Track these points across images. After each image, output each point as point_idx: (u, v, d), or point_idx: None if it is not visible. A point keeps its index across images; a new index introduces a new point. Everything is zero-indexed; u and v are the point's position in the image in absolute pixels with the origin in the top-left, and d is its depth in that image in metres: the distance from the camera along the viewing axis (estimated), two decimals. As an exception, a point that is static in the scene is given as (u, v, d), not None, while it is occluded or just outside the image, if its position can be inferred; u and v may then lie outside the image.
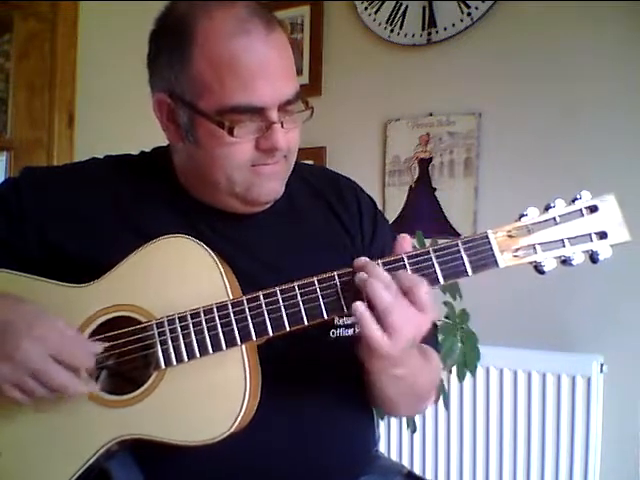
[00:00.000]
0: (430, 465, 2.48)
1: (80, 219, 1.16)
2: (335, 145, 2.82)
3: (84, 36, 2.67)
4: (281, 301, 1.01)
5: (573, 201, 0.98)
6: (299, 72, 2.84)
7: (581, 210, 0.98)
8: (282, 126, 1.08)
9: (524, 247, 0.98)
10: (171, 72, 1.09)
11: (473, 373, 2.23)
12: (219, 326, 1.01)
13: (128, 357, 1.06)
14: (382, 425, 2.50)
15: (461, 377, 2.21)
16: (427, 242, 2.13)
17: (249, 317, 1.01)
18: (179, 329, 1.03)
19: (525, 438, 2.30)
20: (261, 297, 1.01)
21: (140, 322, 1.05)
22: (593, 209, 0.98)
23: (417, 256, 0.99)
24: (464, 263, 0.98)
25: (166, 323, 1.03)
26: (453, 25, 2.55)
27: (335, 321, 1.16)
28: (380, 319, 0.94)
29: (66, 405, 1.05)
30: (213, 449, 0.99)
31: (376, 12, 2.73)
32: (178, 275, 1.06)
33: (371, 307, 0.95)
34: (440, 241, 1.07)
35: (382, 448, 2.49)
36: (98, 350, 1.04)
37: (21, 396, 1.02)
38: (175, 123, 1.13)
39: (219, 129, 1.06)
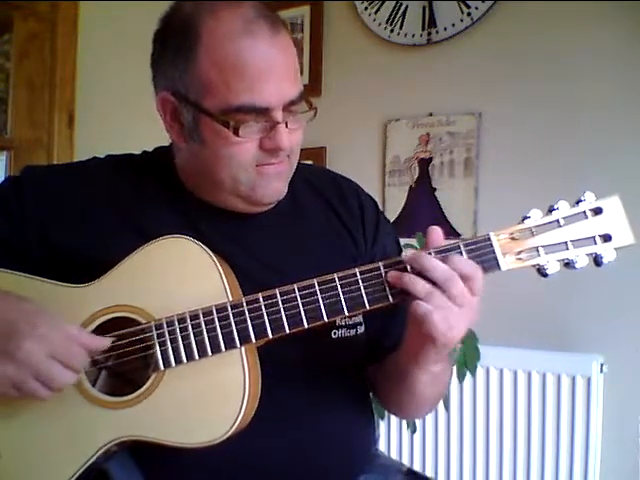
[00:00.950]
0: (430, 465, 2.48)
1: (81, 218, 1.16)
2: (335, 145, 2.82)
3: (84, 36, 2.66)
4: (281, 303, 1.01)
5: (577, 203, 0.98)
6: (299, 72, 2.84)
7: (585, 212, 0.97)
8: (286, 126, 1.08)
9: (527, 250, 0.98)
10: (176, 71, 1.10)
11: (473, 373, 2.24)
12: (218, 328, 1.01)
13: (127, 358, 1.06)
14: (382, 425, 2.50)
15: (461, 377, 2.21)
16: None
17: (248, 319, 1.01)
18: (178, 330, 1.02)
19: (525, 438, 2.30)
20: (261, 299, 1.01)
21: (139, 323, 1.05)
22: (597, 211, 0.97)
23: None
24: None
25: (165, 324, 1.03)
26: (453, 25, 2.55)
27: (337, 322, 1.16)
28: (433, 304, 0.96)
29: (66, 406, 1.05)
30: (212, 449, 0.99)
31: (376, 12, 2.73)
32: (178, 276, 1.06)
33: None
34: (440, 242, 1.07)
35: (382, 448, 2.49)
36: (105, 346, 1.04)
37: (21, 395, 1.01)
38: (179, 122, 1.13)
39: (224, 129, 1.06)
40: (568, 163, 2.32)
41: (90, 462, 1.04)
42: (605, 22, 2.28)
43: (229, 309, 1.01)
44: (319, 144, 2.80)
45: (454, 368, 2.16)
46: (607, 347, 2.24)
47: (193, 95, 1.08)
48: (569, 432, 2.23)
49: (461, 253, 0.99)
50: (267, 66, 1.05)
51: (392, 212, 2.67)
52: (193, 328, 1.02)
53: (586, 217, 0.97)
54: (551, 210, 0.98)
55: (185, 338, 1.02)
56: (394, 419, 2.52)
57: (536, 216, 0.98)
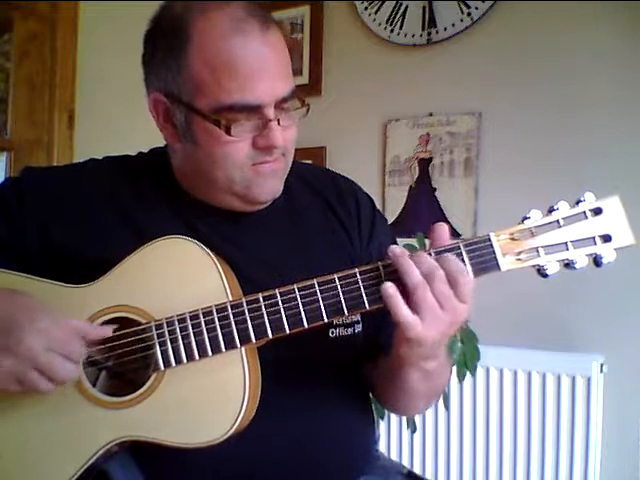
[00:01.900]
0: (430, 465, 2.48)
1: (80, 219, 1.16)
2: (335, 145, 2.82)
3: (84, 36, 2.66)
4: (281, 303, 1.01)
5: (577, 203, 0.98)
6: (299, 72, 2.84)
7: (585, 212, 0.97)
8: (279, 124, 1.08)
9: (527, 250, 0.98)
10: (167, 72, 1.10)
11: (473, 373, 2.24)
12: (218, 328, 1.01)
13: (127, 358, 1.06)
14: (382, 425, 2.50)
15: (461, 377, 2.21)
16: (427, 243, 2.13)
17: (248, 319, 1.01)
18: (178, 330, 1.02)
19: (525, 438, 2.30)
20: (261, 299, 1.01)
21: (139, 323, 1.05)
22: (597, 211, 0.97)
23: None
24: (465, 265, 0.98)
25: (165, 324, 1.03)
26: (453, 25, 2.55)
27: (334, 321, 1.15)
28: (410, 298, 0.95)
29: (66, 406, 1.05)
30: (213, 449, 0.99)
31: (376, 12, 2.73)
32: (177, 276, 1.06)
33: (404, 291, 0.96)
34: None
35: (382, 448, 2.49)
36: (108, 334, 1.04)
37: (23, 389, 1.01)
38: (171, 123, 1.13)
39: (216, 128, 1.06)
40: (568, 163, 2.32)
41: (90, 462, 1.04)
42: (605, 22, 2.28)
43: (229, 309, 1.01)
44: (319, 144, 2.80)
45: (454, 368, 2.17)
46: (607, 347, 2.24)
47: (185, 95, 1.08)
48: (569, 432, 2.23)
49: (461, 253, 0.99)
50: (258, 64, 1.05)
51: (392, 212, 2.67)
52: (193, 328, 1.02)
53: (586, 217, 0.97)
54: (551, 210, 0.98)
55: (185, 338, 1.02)
56: (394, 419, 2.52)
57: (536, 216, 0.98)
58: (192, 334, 1.02)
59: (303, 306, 1.00)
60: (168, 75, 1.10)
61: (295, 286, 1.01)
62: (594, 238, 0.97)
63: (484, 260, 0.98)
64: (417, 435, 2.48)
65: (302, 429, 1.13)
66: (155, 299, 1.05)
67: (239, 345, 1.01)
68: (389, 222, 1.43)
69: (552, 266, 0.97)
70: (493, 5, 2.48)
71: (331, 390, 1.19)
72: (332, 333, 1.17)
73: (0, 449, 1.07)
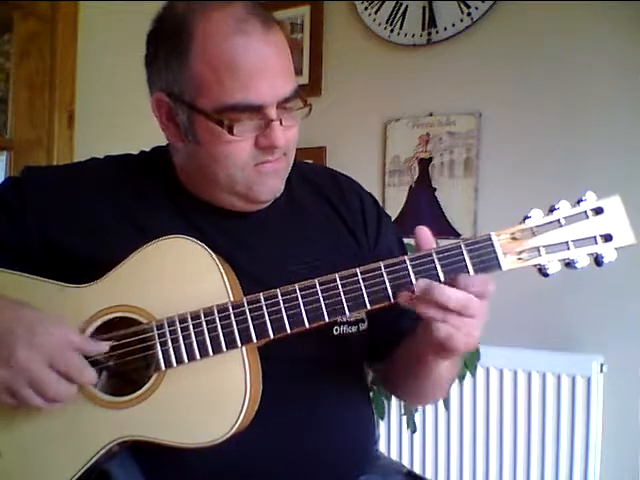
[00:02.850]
0: (430, 465, 2.48)
1: (81, 219, 1.16)
2: (335, 145, 2.82)
3: (84, 36, 2.66)
4: (282, 303, 1.01)
5: (578, 203, 0.98)
6: (299, 72, 2.84)
7: (586, 212, 0.97)
8: (281, 123, 1.09)
9: (528, 250, 0.97)
10: (169, 72, 1.10)
11: (473, 373, 2.24)
12: (219, 328, 1.01)
13: (128, 358, 1.06)
14: (382, 425, 2.50)
15: (461, 377, 2.21)
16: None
17: (250, 319, 1.01)
18: (179, 330, 1.03)
19: (525, 438, 2.30)
20: (262, 299, 1.01)
21: (140, 323, 1.05)
22: (598, 211, 0.97)
23: (419, 258, 0.99)
24: (466, 265, 0.98)
25: (166, 324, 1.03)
26: (453, 25, 2.55)
27: (338, 319, 1.15)
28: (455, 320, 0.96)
29: (66, 406, 1.04)
30: (213, 449, 0.99)
31: (376, 12, 2.73)
32: (178, 276, 1.06)
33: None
34: (440, 241, 1.07)
35: (382, 448, 2.49)
36: (103, 350, 1.04)
37: (15, 403, 1.01)
38: (174, 122, 1.13)
39: (218, 127, 1.07)
40: (568, 163, 2.33)
41: (91, 462, 1.04)
42: (605, 22, 2.28)
43: (230, 309, 1.01)
44: (319, 144, 2.80)
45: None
46: (607, 347, 2.24)
47: (187, 95, 1.09)
48: (569, 432, 2.23)
49: (462, 253, 0.99)
50: (260, 64, 1.06)
51: (392, 212, 2.66)
52: (194, 328, 1.02)
53: (587, 217, 0.97)
54: (552, 210, 0.98)
55: (186, 338, 1.02)
56: (394, 419, 2.52)
57: (537, 216, 0.98)
58: (193, 334, 1.02)
59: (304, 306, 1.00)
60: (170, 75, 1.10)
61: (296, 286, 1.01)
62: (595, 237, 0.97)
63: (485, 260, 0.98)
64: (417, 435, 2.48)
65: (303, 428, 1.13)
66: (156, 299, 1.05)
67: (240, 345, 1.01)
68: (392, 220, 1.43)
69: (553, 265, 0.97)
70: (493, 5, 2.48)
71: (333, 390, 1.19)
72: (336, 331, 1.17)
73: (0, 449, 1.07)
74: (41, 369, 0.99)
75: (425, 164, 2.63)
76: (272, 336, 1.01)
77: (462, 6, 2.53)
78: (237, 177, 1.11)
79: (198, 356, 1.02)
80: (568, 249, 0.97)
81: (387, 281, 1.00)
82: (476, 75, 2.53)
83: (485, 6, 2.49)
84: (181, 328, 1.02)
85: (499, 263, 0.98)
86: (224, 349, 1.01)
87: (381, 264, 1.00)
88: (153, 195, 1.20)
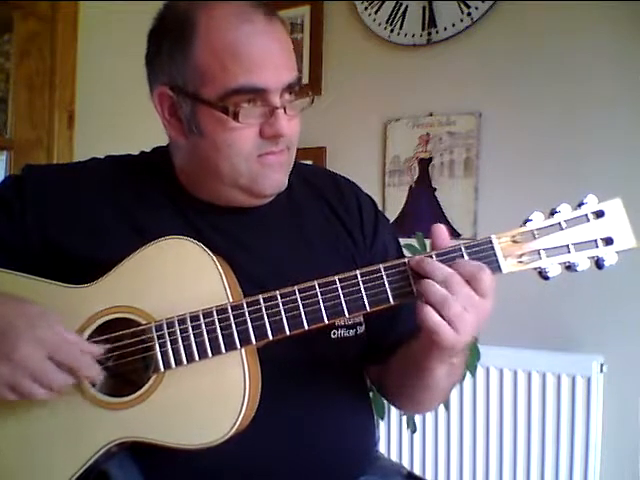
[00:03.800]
0: (430, 465, 2.48)
1: (81, 219, 1.16)
2: (335, 145, 2.82)
3: (84, 36, 2.66)
4: (281, 305, 1.01)
5: (579, 206, 0.98)
6: (299, 72, 2.83)
7: (587, 215, 0.97)
8: (285, 112, 1.09)
9: (528, 253, 0.97)
10: (173, 64, 1.11)
11: (473, 373, 2.24)
12: (219, 329, 1.01)
13: (127, 359, 1.06)
14: (382, 425, 2.50)
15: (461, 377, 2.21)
16: (427, 242, 2.13)
17: (249, 320, 1.01)
18: (178, 332, 1.02)
19: (525, 438, 2.30)
20: (261, 300, 1.01)
21: (139, 324, 1.05)
22: (599, 214, 0.97)
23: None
24: None
25: (165, 326, 1.03)
26: (453, 25, 2.55)
27: (336, 322, 1.15)
28: (440, 313, 0.95)
29: (65, 407, 1.05)
30: (213, 450, 0.99)
31: (376, 12, 2.73)
32: (177, 277, 1.06)
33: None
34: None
35: (382, 448, 2.49)
36: (98, 353, 1.04)
37: (17, 397, 1.01)
38: (177, 117, 1.13)
39: (223, 115, 1.07)
40: (568, 163, 2.33)
41: (90, 463, 1.04)
42: (605, 22, 2.28)
43: (229, 310, 1.01)
44: (319, 144, 2.80)
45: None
46: (607, 347, 2.24)
47: (191, 86, 1.09)
48: (569, 432, 2.23)
49: (462, 255, 0.99)
50: (264, 50, 1.07)
51: (392, 212, 2.67)
52: (193, 329, 1.02)
53: (588, 220, 0.97)
54: (553, 213, 0.97)
55: (185, 339, 1.02)
56: (394, 419, 2.52)
57: (538, 219, 0.98)
58: (192, 335, 1.02)
59: (303, 307, 1.00)
60: (174, 68, 1.11)
61: (296, 287, 1.01)
62: (596, 241, 0.97)
63: (485, 262, 0.98)
64: (417, 435, 2.48)
65: (302, 429, 1.13)
66: (155, 300, 1.05)
67: (239, 346, 1.01)
68: (390, 223, 1.43)
69: (553, 269, 0.97)
70: (493, 5, 2.47)
71: (332, 391, 1.19)
72: (334, 334, 1.17)
73: (0, 448, 1.07)
74: (42, 361, 0.99)
75: (425, 164, 2.63)
76: (271, 337, 1.01)
77: (462, 6, 2.53)
78: (241, 168, 1.11)
79: (197, 357, 1.02)
80: (569, 252, 0.97)
81: (387, 283, 1.00)
82: (476, 75, 2.53)
83: (485, 6, 2.49)
84: (180, 329, 1.02)
85: (499, 266, 0.98)
86: (223, 350, 1.01)
87: (381, 266, 1.00)
88: (153, 195, 1.20)
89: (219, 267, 1.04)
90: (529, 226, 0.98)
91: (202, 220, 1.18)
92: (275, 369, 1.05)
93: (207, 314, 1.02)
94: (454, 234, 2.51)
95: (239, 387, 1.00)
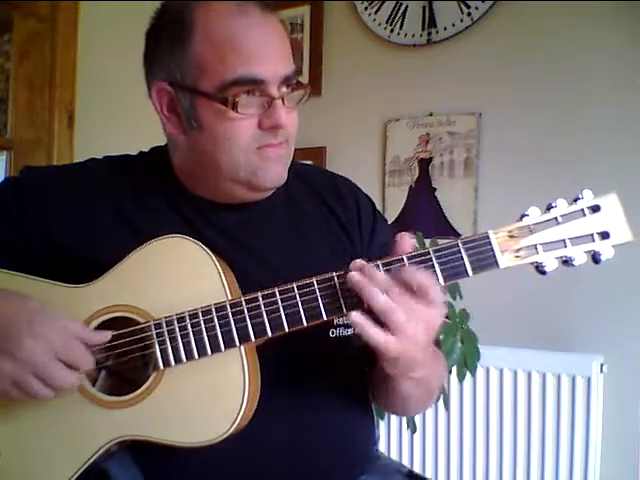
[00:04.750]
0: (430, 465, 2.48)
1: (80, 219, 1.16)
2: (335, 145, 2.82)
3: (84, 36, 2.67)
4: (280, 302, 1.00)
5: (575, 201, 0.98)
6: (299, 72, 2.84)
7: (583, 210, 0.97)
8: (283, 103, 1.10)
9: (525, 247, 0.97)
10: (171, 59, 1.11)
11: (473, 373, 2.23)
12: (217, 327, 1.01)
13: (127, 357, 1.06)
14: (382, 425, 2.50)
15: (461, 377, 2.21)
16: (427, 242, 2.13)
17: (248, 318, 1.01)
18: (177, 330, 1.02)
19: (525, 438, 2.30)
20: (260, 298, 1.01)
21: (138, 323, 1.05)
22: (595, 209, 0.97)
23: (417, 257, 0.99)
24: (464, 264, 0.98)
25: (164, 324, 1.03)
26: (453, 25, 2.55)
27: (335, 321, 1.15)
28: (381, 321, 0.95)
29: (65, 406, 1.05)
30: (213, 449, 0.99)
31: (376, 12, 2.73)
32: (176, 275, 1.06)
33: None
34: (440, 241, 1.07)
35: (382, 448, 2.49)
36: (106, 339, 1.04)
37: (21, 394, 1.01)
38: (175, 112, 1.14)
39: (222, 107, 1.07)
40: (568, 163, 2.32)
41: (90, 462, 1.04)
42: (605, 22, 2.28)
43: (228, 308, 1.01)
44: (319, 144, 2.80)
45: (454, 368, 2.16)
46: (607, 347, 2.24)
47: (189, 79, 1.10)
48: (569, 432, 2.23)
49: (460, 251, 0.98)
50: (262, 42, 1.08)
51: (392, 212, 2.67)
52: (192, 327, 1.02)
53: (584, 215, 0.97)
54: (549, 208, 0.97)
55: (184, 337, 1.02)
56: (394, 419, 2.52)
57: (534, 214, 0.98)
58: (191, 333, 1.02)
59: (302, 304, 1.00)
60: (172, 62, 1.11)
61: (294, 284, 1.00)
62: (592, 235, 0.97)
63: (482, 258, 0.98)
64: (417, 435, 2.48)
65: (302, 428, 1.13)
66: (154, 298, 1.05)
67: (238, 344, 1.01)
68: (389, 222, 1.43)
69: (550, 263, 0.97)
70: (493, 5, 2.48)
71: (331, 390, 1.18)
72: (332, 333, 1.17)
73: (0, 448, 1.07)
74: (45, 357, 0.99)
75: (425, 164, 2.63)
76: (270, 334, 1.01)
77: (462, 6, 2.53)
78: (240, 161, 1.11)
79: (196, 355, 1.02)
80: (565, 247, 0.97)
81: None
82: (476, 75, 2.53)
83: (485, 6, 2.49)
84: (179, 327, 1.02)
85: (496, 261, 0.98)
86: (222, 348, 1.01)
87: (379, 262, 1.00)
88: (152, 195, 1.20)
89: (218, 265, 1.04)
90: (526, 221, 0.98)
91: (201, 218, 1.18)
92: (274, 368, 1.05)
93: (206, 312, 1.02)
94: (454, 234, 2.51)
95: (238, 385, 1.00)
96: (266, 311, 1.00)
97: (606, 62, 2.28)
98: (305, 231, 1.24)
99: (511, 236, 0.98)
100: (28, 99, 2.60)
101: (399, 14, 2.68)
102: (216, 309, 1.01)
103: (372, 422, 1.30)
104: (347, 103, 2.82)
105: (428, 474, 2.45)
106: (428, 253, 0.99)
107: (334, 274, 1.00)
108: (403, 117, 2.68)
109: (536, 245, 0.97)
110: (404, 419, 2.43)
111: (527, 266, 0.99)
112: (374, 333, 0.95)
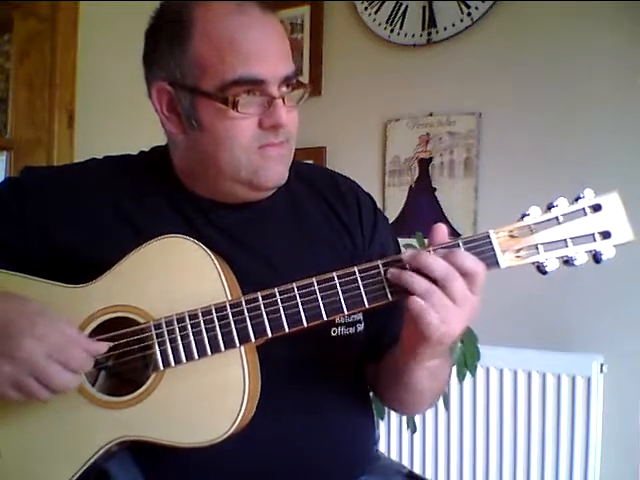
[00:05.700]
0: (430, 465, 2.48)
1: (80, 219, 1.16)
2: (335, 145, 2.82)
3: (84, 36, 2.66)
4: (280, 302, 1.01)
5: (576, 200, 0.97)
6: (299, 72, 2.84)
7: (584, 209, 0.97)
8: (283, 102, 1.10)
9: (526, 247, 0.97)
10: (171, 59, 1.11)
11: (473, 373, 2.23)
12: (217, 327, 1.01)
13: (127, 358, 1.06)
14: (382, 425, 2.50)
15: (461, 377, 2.21)
16: (427, 242, 2.13)
17: (248, 318, 1.01)
18: (177, 330, 1.02)
19: (525, 438, 2.30)
20: (260, 298, 1.01)
21: (138, 323, 1.05)
22: (596, 208, 0.97)
23: (418, 255, 0.99)
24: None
25: (164, 324, 1.03)
26: (453, 25, 2.55)
27: (336, 320, 1.15)
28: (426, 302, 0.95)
29: (65, 406, 1.04)
30: (213, 449, 0.99)
31: (376, 12, 2.73)
32: (176, 275, 1.05)
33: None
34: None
35: (382, 448, 2.49)
36: (103, 350, 1.04)
37: (20, 396, 1.01)
38: (175, 112, 1.14)
39: (222, 106, 1.07)
40: (568, 163, 2.32)
41: (90, 462, 1.04)
42: (605, 22, 2.28)
43: (228, 309, 1.01)
44: (319, 144, 2.80)
45: (454, 368, 2.16)
46: (607, 347, 2.24)
47: (190, 79, 1.10)
48: (569, 432, 2.23)
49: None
50: (262, 41, 1.08)
51: (392, 212, 2.67)
52: (192, 328, 1.02)
53: (585, 214, 0.97)
54: (550, 207, 0.97)
55: (184, 338, 1.02)
56: (394, 419, 2.52)
57: (535, 213, 0.97)
58: (191, 334, 1.02)
59: (302, 305, 1.00)
60: (172, 62, 1.11)
61: (294, 285, 1.01)
62: (593, 235, 0.97)
63: (483, 257, 0.98)
64: (417, 435, 2.48)
65: (302, 428, 1.13)
66: (154, 299, 1.05)
67: (238, 344, 1.01)
68: (389, 221, 1.43)
69: (551, 263, 0.97)
70: (493, 5, 2.47)
71: (332, 389, 1.18)
72: (334, 332, 1.17)
73: (0, 449, 1.07)
74: (45, 360, 0.99)
75: (425, 164, 2.63)
76: (270, 335, 1.01)
77: (462, 6, 2.53)
78: (241, 161, 1.11)
79: (196, 356, 1.02)
80: (566, 246, 0.97)
81: (385, 279, 0.99)
82: (476, 75, 2.53)
83: (485, 6, 2.49)
84: (179, 328, 1.02)
85: (497, 261, 0.98)
86: (222, 348, 1.01)
87: (379, 262, 1.00)
88: (152, 195, 1.20)
89: (218, 265, 1.04)
90: (526, 221, 0.98)
91: (201, 218, 1.18)
92: (275, 367, 1.05)
93: (206, 312, 1.02)
94: (454, 234, 2.51)
95: (239, 385, 1.00)
96: (266, 311, 1.01)
97: (606, 62, 2.28)
98: (306, 230, 1.24)
99: (512, 236, 0.98)
100: (28, 99, 2.60)
101: (399, 14, 2.68)
102: (216, 309, 1.02)
103: (372, 422, 1.30)
104: (347, 103, 2.82)
105: (428, 474, 2.45)
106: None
107: (334, 274, 1.00)
108: (403, 117, 2.68)
109: (537, 245, 0.97)
110: (404, 419, 2.44)
111: (527, 266, 0.99)
112: (423, 306, 0.95)
